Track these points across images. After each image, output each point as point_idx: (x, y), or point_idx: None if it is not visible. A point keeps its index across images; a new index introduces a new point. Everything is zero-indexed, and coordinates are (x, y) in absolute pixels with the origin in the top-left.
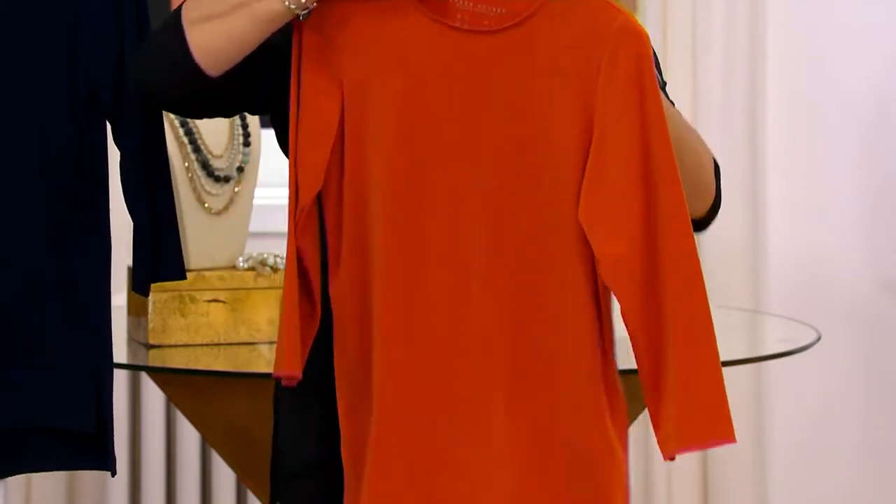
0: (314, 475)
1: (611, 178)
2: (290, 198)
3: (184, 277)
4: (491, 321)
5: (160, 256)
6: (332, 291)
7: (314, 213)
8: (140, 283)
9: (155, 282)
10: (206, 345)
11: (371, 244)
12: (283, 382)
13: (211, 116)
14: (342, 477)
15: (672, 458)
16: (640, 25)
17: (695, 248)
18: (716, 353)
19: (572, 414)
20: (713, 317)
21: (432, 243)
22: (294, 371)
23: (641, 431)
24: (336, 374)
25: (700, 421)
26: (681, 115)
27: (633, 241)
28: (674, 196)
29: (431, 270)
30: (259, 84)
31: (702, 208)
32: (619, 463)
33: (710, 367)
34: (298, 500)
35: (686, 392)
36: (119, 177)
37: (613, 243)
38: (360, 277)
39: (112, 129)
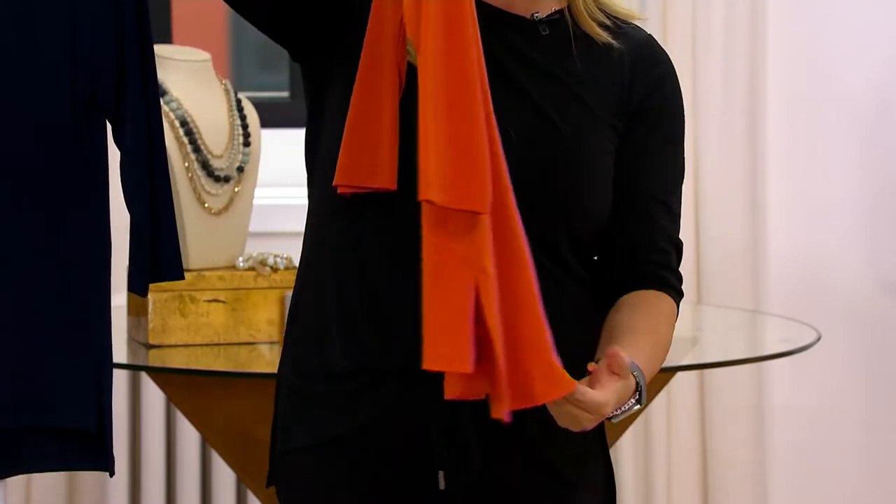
0: (310, 454)
1: None
2: None
3: (182, 278)
4: None
5: (159, 257)
6: None
7: None
8: (139, 284)
9: (153, 282)
10: (206, 345)
11: None
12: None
13: (264, 24)
14: (336, 461)
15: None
16: None
17: None
18: None
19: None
20: (712, 317)
21: None
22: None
23: (641, 431)
24: None
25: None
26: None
27: None
28: None
29: None
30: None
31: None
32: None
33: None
34: (292, 478)
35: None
36: (119, 177)
37: None
38: None
39: (112, 128)
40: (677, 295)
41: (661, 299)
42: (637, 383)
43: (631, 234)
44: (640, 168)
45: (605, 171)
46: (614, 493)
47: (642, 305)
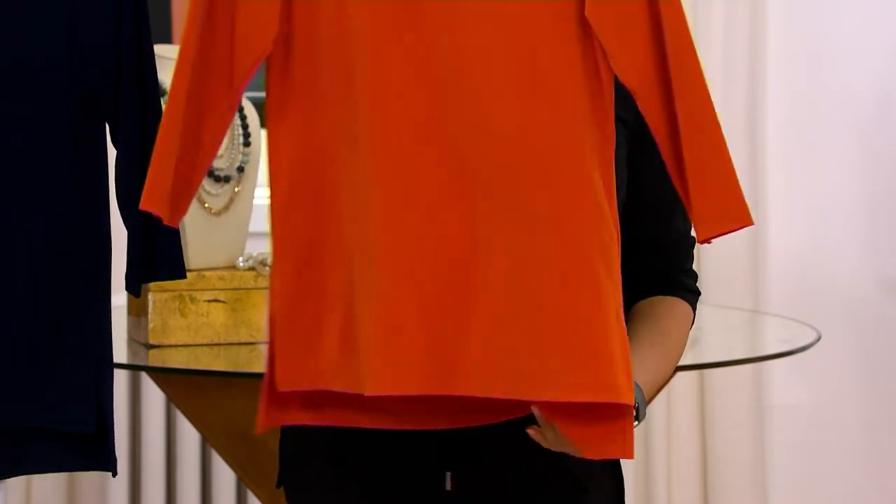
0: (320, 456)
1: None
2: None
3: (183, 276)
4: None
5: (157, 255)
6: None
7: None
8: (131, 284)
9: (147, 282)
10: (206, 345)
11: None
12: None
13: None
14: (345, 461)
15: (706, 242)
16: None
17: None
18: (724, 147)
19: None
20: (712, 317)
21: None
22: (153, 207)
23: (641, 431)
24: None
25: (718, 209)
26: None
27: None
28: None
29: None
30: None
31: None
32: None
33: (721, 160)
34: (302, 479)
35: (703, 185)
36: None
37: (625, 42)
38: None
39: (110, 128)
40: (693, 296)
41: (675, 305)
42: (636, 403)
43: (646, 234)
44: (655, 166)
45: (617, 163)
46: (622, 493)
47: (652, 315)
